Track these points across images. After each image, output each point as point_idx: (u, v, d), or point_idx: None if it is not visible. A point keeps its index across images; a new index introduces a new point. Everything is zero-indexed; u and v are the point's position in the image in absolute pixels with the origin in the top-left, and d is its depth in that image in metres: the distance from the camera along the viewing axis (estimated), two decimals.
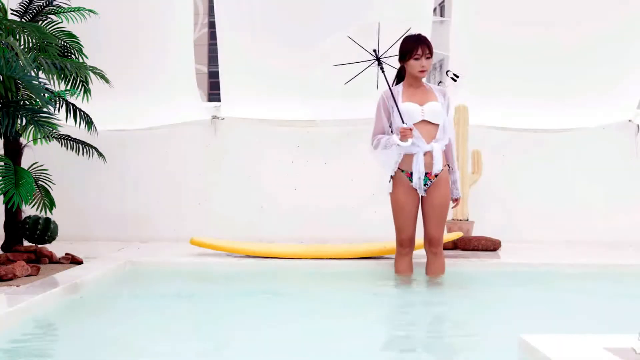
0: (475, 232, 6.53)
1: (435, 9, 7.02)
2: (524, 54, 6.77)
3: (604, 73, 6.84)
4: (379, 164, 4.95)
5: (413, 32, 4.89)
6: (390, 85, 4.83)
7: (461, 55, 6.65)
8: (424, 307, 4.44)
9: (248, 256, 5.73)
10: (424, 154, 4.77)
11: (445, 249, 5.47)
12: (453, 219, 6.43)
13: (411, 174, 4.81)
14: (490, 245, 6.17)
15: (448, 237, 5.97)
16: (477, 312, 4.32)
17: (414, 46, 4.77)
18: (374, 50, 4.88)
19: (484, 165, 6.59)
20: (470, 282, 5.13)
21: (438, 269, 4.97)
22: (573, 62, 6.80)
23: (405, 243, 4.95)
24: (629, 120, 7.12)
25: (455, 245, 6.23)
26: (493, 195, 6.95)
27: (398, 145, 4.72)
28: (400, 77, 4.96)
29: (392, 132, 4.85)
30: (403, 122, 4.74)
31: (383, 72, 4.84)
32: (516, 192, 7.05)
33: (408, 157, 4.80)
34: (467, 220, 6.49)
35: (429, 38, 4.93)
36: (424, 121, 4.79)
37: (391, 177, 4.89)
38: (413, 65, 4.80)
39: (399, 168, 4.84)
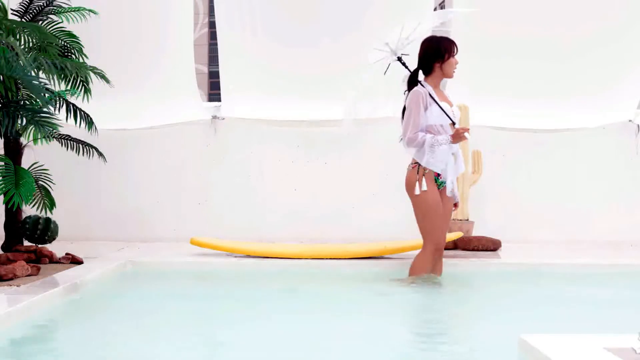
0: (475, 232, 6.53)
1: (435, 9, 7.01)
2: (524, 54, 6.77)
3: (604, 73, 6.84)
4: (423, 161, 4.71)
5: (416, 31, 4.86)
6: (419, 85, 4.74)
7: (461, 55, 6.63)
8: (424, 307, 4.44)
9: (248, 256, 5.73)
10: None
11: (445, 248, 5.47)
12: (453, 219, 6.43)
13: (438, 174, 4.74)
14: (490, 245, 6.17)
15: (448, 237, 5.97)
16: (477, 312, 4.32)
17: (452, 44, 4.74)
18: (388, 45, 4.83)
19: (484, 165, 6.59)
20: (470, 282, 5.13)
21: (440, 269, 4.97)
22: (573, 62, 6.80)
23: (442, 245, 4.83)
24: (629, 120, 7.12)
25: (455, 245, 6.23)
26: (493, 195, 6.95)
27: (448, 145, 4.65)
28: (413, 81, 4.80)
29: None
30: (454, 123, 4.70)
31: (407, 67, 4.78)
32: (516, 192, 7.06)
33: None
34: (467, 220, 6.49)
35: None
36: (452, 123, 4.77)
37: (422, 175, 4.71)
38: (451, 63, 4.75)
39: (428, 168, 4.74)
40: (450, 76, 4.80)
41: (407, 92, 4.86)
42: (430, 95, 4.68)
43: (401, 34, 4.81)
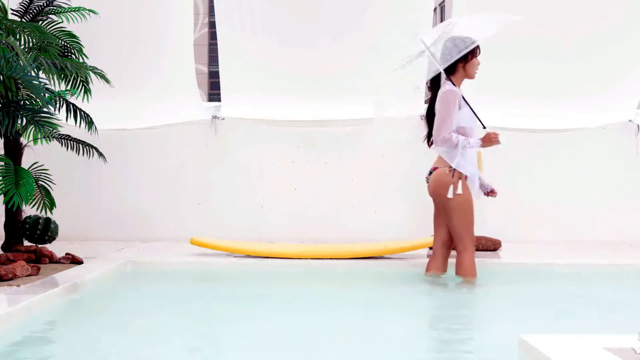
0: (476, 232, 6.50)
1: (435, 9, 7.03)
2: (524, 54, 6.76)
3: (604, 73, 6.83)
4: (453, 163, 4.67)
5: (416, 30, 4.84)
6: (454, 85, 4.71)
7: None
8: (423, 307, 4.44)
9: (248, 256, 5.73)
10: None
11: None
12: None
13: (466, 177, 4.71)
14: (490, 245, 6.17)
15: None
16: (477, 312, 4.32)
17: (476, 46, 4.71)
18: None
19: (484, 165, 6.58)
20: (464, 282, 5.13)
21: (446, 267, 4.99)
22: (573, 62, 6.79)
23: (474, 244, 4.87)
24: (629, 120, 7.11)
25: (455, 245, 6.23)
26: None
27: (477, 148, 4.65)
28: (437, 81, 4.78)
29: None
30: (484, 127, 4.68)
31: (438, 62, 4.74)
32: (516, 192, 7.04)
33: None
34: None
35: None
36: (482, 127, 4.75)
37: (457, 178, 4.67)
38: (474, 64, 4.74)
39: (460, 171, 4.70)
40: (472, 77, 4.79)
41: (418, 91, 4.84)
42: (462, 96, 4.67)
43: (443, 31, 4.73)
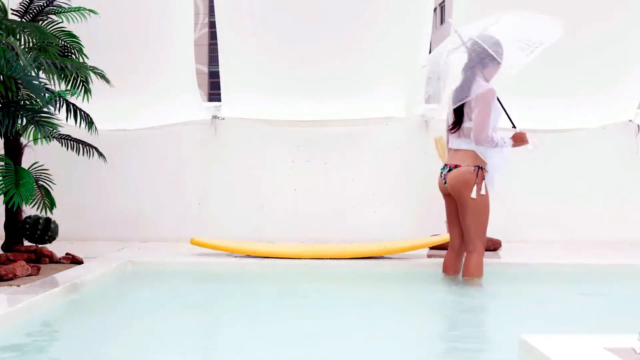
0: None
1: (435, 9, 7.03)
2: None
3: (605, 73, 6.83)
4: (490, 161, 4.65)
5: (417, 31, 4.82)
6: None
7: None
8: (422, 306, 4.44)
9: (248, 256, 5.73)
10: None
11: (444, 249, 5.48)
12: None
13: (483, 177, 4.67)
14: (490, 245, 6.17)
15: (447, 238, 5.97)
16: (477, 312, 4.32)
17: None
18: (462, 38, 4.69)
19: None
20: (469, 282, 5.13)
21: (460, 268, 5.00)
22: (573, 63, 6.79)
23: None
24: (629, 120, 7.12)
25: None
26: (493, 195, 6.93)
27: (509, 147, 4.62)
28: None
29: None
30: (514, 126, 4.66)
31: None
32: (516, 191, 7.04)
33: None
34: None
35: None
36: (512, 127, 4.73)
37: (482, 178, 4.64)
38: (498, 65, 4.71)
39: (486, 169, 4.68)
40: (494, 76, 4.76)
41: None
42: (498, 99, 4.64)
43: (484, 28, 4.69)
